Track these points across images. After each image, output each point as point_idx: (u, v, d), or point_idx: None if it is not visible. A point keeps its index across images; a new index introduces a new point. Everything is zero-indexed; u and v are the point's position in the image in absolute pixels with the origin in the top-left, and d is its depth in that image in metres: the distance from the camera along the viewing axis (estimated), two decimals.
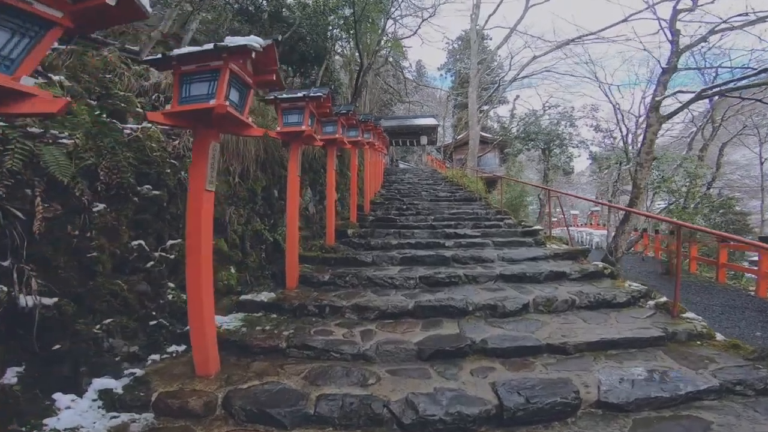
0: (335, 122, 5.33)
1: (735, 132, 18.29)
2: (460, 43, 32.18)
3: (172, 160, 3.12)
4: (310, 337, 3.15)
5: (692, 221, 13.11)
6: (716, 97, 11.75)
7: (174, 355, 2.97)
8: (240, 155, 3.91)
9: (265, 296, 3.87)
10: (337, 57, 15.96)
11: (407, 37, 21.74)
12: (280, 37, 2.53)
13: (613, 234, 17.47)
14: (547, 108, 24.16)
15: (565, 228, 7.42)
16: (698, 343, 3.14)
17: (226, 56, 2.22)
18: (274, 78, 2.57)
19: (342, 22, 11.07)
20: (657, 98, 8.34)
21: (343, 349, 2.95)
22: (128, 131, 2.96)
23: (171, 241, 3.02)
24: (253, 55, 2.26)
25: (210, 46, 2.22)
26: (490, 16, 22.29)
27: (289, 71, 11.24)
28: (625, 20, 12.41)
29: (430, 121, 23.81)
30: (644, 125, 20.37)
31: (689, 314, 3.61)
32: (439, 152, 30.35)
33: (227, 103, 2.16)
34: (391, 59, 22.56)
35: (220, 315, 3.56)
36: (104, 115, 2.92)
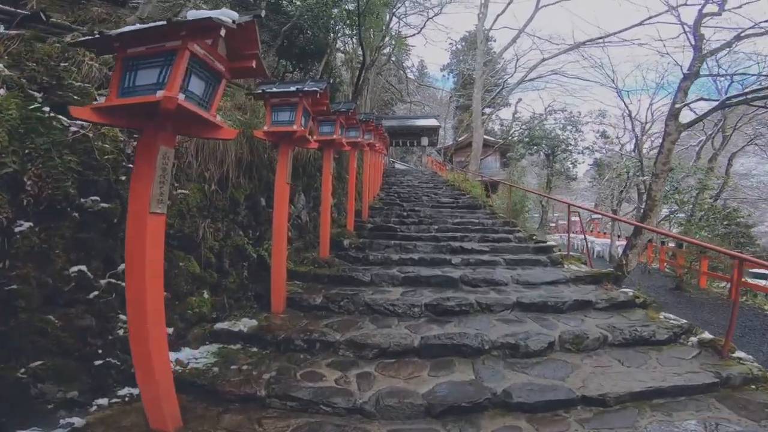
0: (333, 122, 4.78)
1: (741, 141, 17.87)
2: (464, 43, 31.59)
3: (130, 165, 2.54)
4: (296, 383, 2.61)
5: (699, 233, 12.70)
6: (727, 108, 11.26)
7: (126, 399, 2.46)
8: (218, 158, 3.33)
9: (244, 324, 3.29)
10: (338, 53, 15.38)
11: (411, 36, 21.25)
12: (262, 13, 1.97)
13: (617, 244, 17.09)
14: (551, 112, 23.59)
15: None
16: (753, 387, 2.73)
17: (184, 34, 1.65)
18: (254, 65, 2.00)
19: (345, 15, 10.50)
20: (677, 105, 7.83)
21: (335, 402, 2.42)
22: (75, 129, 2.40)
23: (124, 265, 2.44)
24: (223, 32, 1.70)
25: (163, 21, 1.66)
26: (498, 16, 21.42)
27: (288, 66, 10.68)
28: (641, 23, 11.88)
29: (431, 122, 23.29)
30: (649, 131, 20.07)
31: (740, 353, 3.15)
32: (439, 154, 29.77)
33: (183, 96, 1.59)
34: (393, 58, 22.03)
35: (189, 348, 3.01)
36: (46, 109, 2.36)
